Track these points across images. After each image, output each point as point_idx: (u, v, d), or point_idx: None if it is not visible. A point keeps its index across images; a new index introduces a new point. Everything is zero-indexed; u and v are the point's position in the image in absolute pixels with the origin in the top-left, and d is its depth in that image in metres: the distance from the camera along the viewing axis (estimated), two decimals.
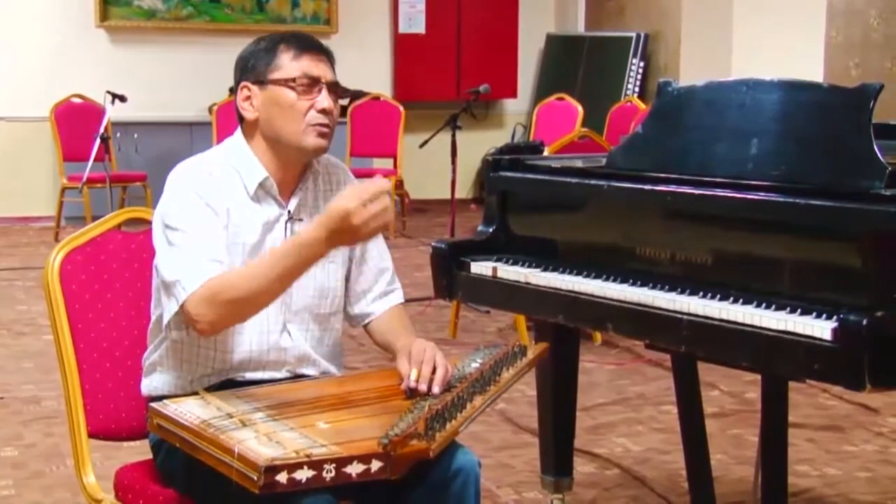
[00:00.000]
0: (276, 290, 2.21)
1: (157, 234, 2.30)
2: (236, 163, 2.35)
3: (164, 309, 2.27)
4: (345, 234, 2.11)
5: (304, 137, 2.31)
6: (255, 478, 1.86)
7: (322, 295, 2.40)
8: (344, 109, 9.05)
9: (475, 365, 2.35)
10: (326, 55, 2.36)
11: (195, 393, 2.26)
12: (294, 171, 2.38)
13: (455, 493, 2.15)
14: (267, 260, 2.20)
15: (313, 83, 2.31)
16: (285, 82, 2.30)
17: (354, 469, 1.92)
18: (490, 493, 3.59)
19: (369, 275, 2.50)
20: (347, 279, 2.48)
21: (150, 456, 2.38)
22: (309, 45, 2.34)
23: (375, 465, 1.94)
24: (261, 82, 2.32)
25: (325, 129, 2.32)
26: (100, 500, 2.36)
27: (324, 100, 2.31)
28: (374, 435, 1.98)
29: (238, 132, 2.40)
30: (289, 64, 2.31)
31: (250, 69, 2.34)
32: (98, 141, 7.75)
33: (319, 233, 2.12)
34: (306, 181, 2.39)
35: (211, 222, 2.26)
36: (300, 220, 2.37)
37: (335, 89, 2.34)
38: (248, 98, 2.34)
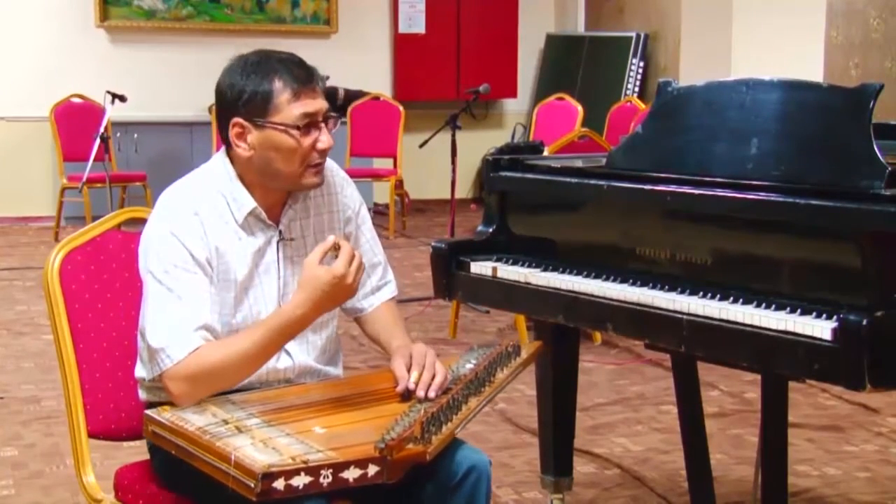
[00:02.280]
0: (261, 364, 2.24)
1: (143, 272, 2.27)
2: (225, 190, 2.30)
3: (147, 367, 2.27)
4: (338, 296, 2.21)
5: (303, 179, 2.29)
6: (253, 485, 1.86)
7: None
8: (344, 109, 9.06)
9: (469, 366, 2.34)
10: (317, 81, 2.29)
11: None
12: (283, 194, 2.35)
13: (466, 491, 2.15)
14: (251, 339, 2.19)
15: (313, 123, 2.26)
16: (285, 128, 2.24)
17: (351, 474, 1.92)
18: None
19: None
20: None
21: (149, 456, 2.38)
22: (304, 80, 2.25)
23: (372, 469, 1.93)
24: (256, 123, 2.25)
25: (319, 168, 2.30)
26: (100, 500, 2.35)
27: (325, 138, 2.27)
28: (371, 439, 1.97)
29: (223, 154, 2.34)
30: (286, 107, 2.23)
31: (243, 105, 2.24)
32: (98, 141, 7.75)
33: (305, 309, 2.18)
34: (296, 199, 2.37)
35: (197, 279, 2.23)
36: (292, 239, 2.36)
37: (330, 118, 2.30)
38: (242, 135, 2.27)
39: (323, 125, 2.28)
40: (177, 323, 2.19)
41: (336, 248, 2.19)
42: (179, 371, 2.18)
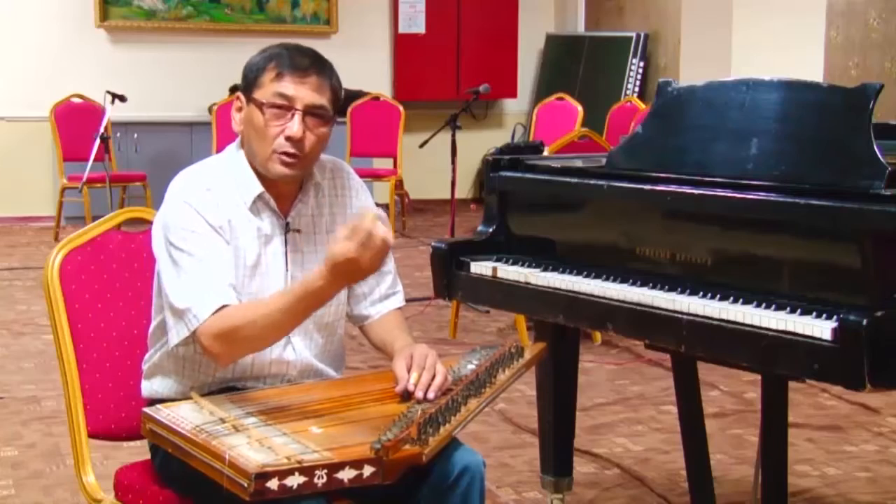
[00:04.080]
0: (288, 330, 2.23)
1: (159, 248, 2.28)
2: (234, 174, 2.32)
3: (172, 331, 2.25)
4: (352, 275, 2.14)
5: (269, 163, 2.27)
6: (246, 485, 1.85)
7: (327, 304, 2.39)
8: (344, 109, 9.05)
9: (471, 367, 2.34)
10: (317, 73, 2.27)
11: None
12: (289, 184, 2.34)
13: (460, 492, 2.14)
14: (280, 301, 2.17)
15: (287, 107, 2.24)
16: (259, 104, 2.26)
17: (346, 475, 1.91)
18: (490, 493, 3.58)
19: (370, 278, 2.49)
20: None
21: (150, 456, 2.38)
22: (295, 65, 2.26)
23: (368, 470, 1.93)
24: (247, 97, 2.30)
25: (289, 159, 2.26)
26: (100, 500, 2.36)
27: (293, 126, 2.24)
28: (367, 440, 1.97)
29: (238, 142, 2.38)
30: (267, 84, 2.25)
31: (244, 79, 2.32)
32: (98, 141, 7.75)
33: (322, 281, 2.13)
34: (307, 192, 2.37)
35: (215, 243, 2.24)
36: (298, 231, 2.35)
37: (316, 114, 2.27)
38: (240, 109, 2.32)
39: (298, 115, 2.25)
40: (201, 283, 2.19)
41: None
42: (208, 329, 2.18)
